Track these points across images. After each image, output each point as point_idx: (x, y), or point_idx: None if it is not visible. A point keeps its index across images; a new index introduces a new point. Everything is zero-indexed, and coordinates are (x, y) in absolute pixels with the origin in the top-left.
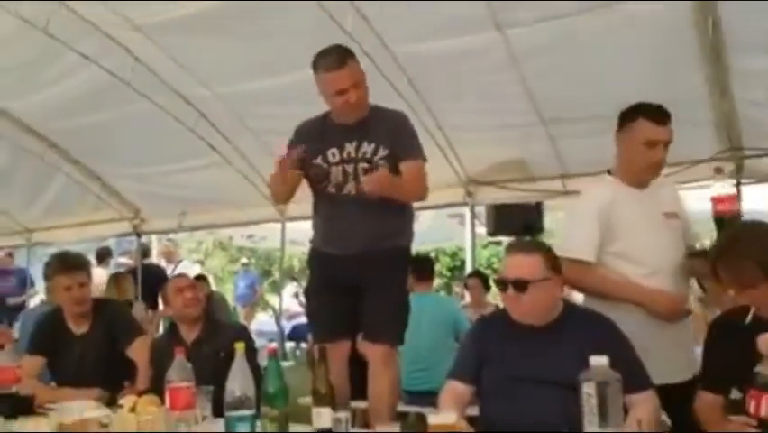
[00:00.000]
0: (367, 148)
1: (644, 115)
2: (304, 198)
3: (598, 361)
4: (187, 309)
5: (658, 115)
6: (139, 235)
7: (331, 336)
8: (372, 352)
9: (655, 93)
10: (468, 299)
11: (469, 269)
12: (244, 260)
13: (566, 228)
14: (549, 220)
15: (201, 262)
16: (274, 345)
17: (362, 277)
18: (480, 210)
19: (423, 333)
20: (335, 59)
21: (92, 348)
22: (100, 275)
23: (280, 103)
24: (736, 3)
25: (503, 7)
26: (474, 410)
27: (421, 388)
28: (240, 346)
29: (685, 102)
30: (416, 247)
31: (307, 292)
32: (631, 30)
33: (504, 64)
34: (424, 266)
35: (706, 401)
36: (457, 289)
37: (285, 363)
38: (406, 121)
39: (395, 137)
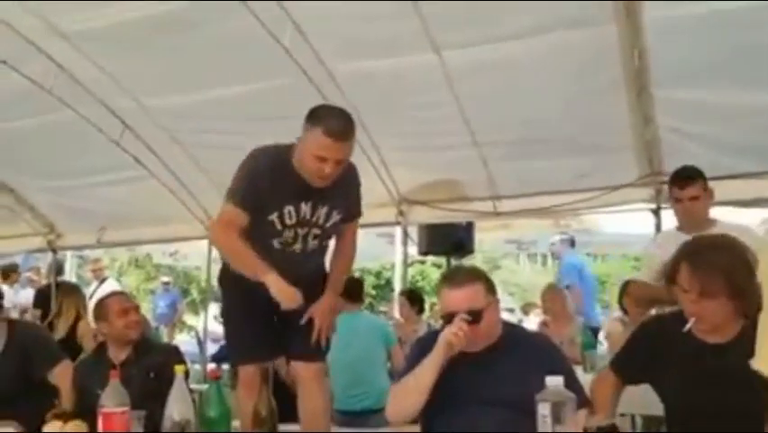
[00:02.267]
0: (320, 212)
1: (671, 182)
2: None
3: (553, 381)
4: (128, 331)
5: (679, 179)
6: (54, 252)
7: (257, 359)
8: (307, 371)
9: (581, 118)
10: (398, 315)
11: (398, 287)
12: (165, 278)
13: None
14: (478, 241)
15: (116, 280)
16: (214, 366)
17: None
18: (411, 229)
19: (355, 352)
20: (346, 129)
21: (2, 371)
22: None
23: (211, 117)
24: (661, 34)
25: (440, 29)
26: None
27: (356, 408)
28: (179, 369)
29: (609, 128)
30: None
31: (226, 313)
32: (561, 56)
33: (439, 85)
34: (354, 287)
35: (605, 378)
36: (382, 308)
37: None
38: (357, 179)
39: (347, 199)
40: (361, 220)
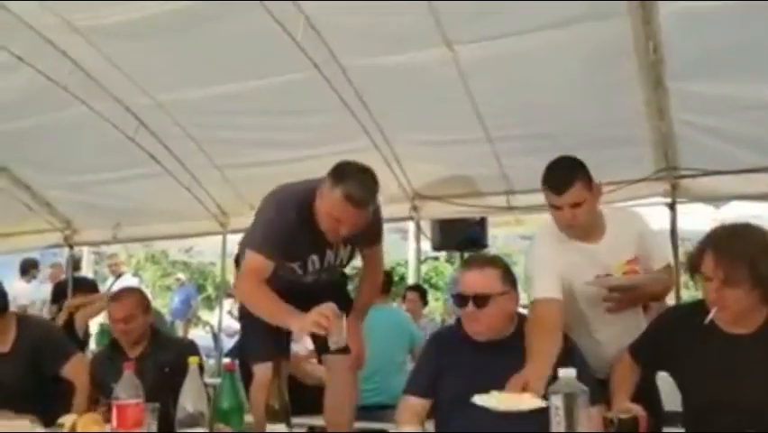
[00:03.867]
0: (343, 253)
1: (545, 184)
2: (245, 210)
3: (566, 373)
4: (120, 335)
5: (554, 183)
6: (71, 247)
7: (272, 356)
8: (340, 364)
9: (596, 113)
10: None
11: (411, 281)
12: (180, 275)
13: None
14: (492, 236)
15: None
16: (230, 361)
17: (314, 291)
18: (424, 225)
19: (375, 346)
20: (366, 197)
21: (12, 369)
22: (24, 289)
23: (224, 113)
24: (676, 27)
25: (452, 24)
26: (431, 426)
27: (370, 402)
28: (193, 361)
29: (624, 122)
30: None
31: (244, 311)
32: (575, 50)
33: (452, 80)
34: (383, 279)
35: (623, 360)
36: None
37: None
38: (379, 214)
39: (368, 236)
40: None
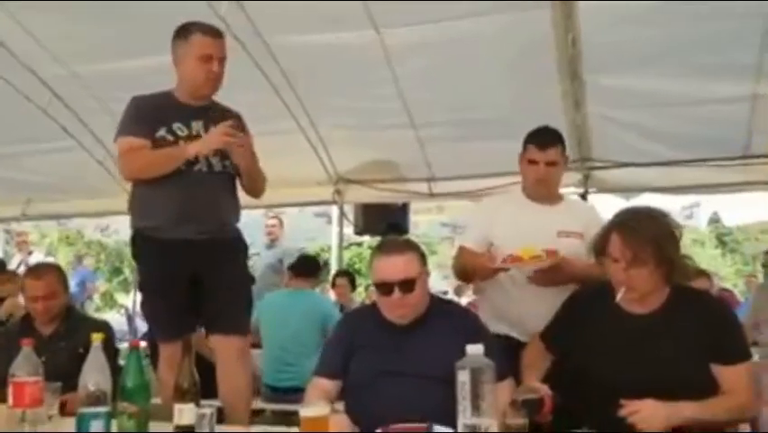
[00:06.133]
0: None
1: (531, 140)
2: None
3: (474, 349)
4: (35, 315)
5: (541, 140)
6: None
7: (177, 334)
8: (228, 345)
9: (516, 102)
10: (333, 297)
11: (334, 267)
12: (82, 252)
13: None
14: (414, 223)
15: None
16: (137, 341)
17: (209, 266)
18: (347, 209)
19: (291, 329)
20: (216, 28)
21: None
22: None
23: (145, 87)
24: (594, 21)
25: (380, 6)
26: (341, 407)
27: (286, 384)
28: (96, 337)
29: (543, 113)
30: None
31: (144, 287)
32: (498, 40)
33: (378, 63)
34: (307, 264)
35: (534, 344)
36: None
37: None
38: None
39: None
40: (298, 198)
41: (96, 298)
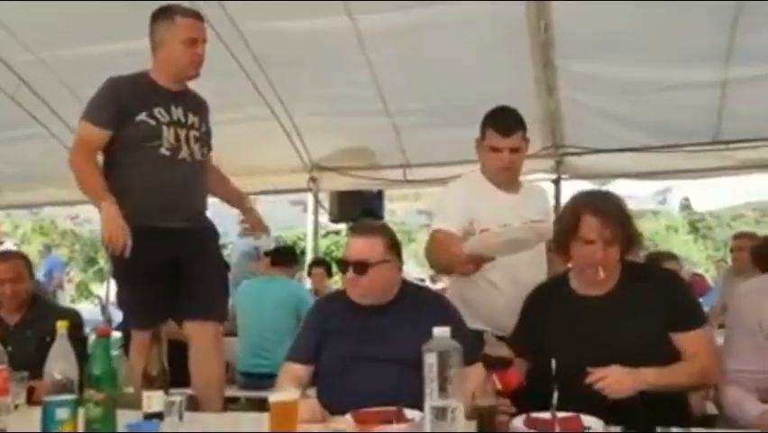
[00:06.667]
0: (193, 119)
1: (492, 126)
2: None
3: (441, 332)
4: (3, 300)
5: (503, 126)
6: None
7: (153, 323)
8: (203, 331)
9: (489, 88)
10: (310, 285)
11: (310, 255)
12: (51, 241)
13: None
14: (391, 210)
15: (17, 247)
16: (104, 327)
17: (186, 254)
18: (323, 197)
19: (266, 316)
20: (197, 11)
21: None
22: None
23: (113, 71)
24: (567, 7)
25: None
26: (313, 393)
27: (260, 371)
28: (61, 325)
29: (516, 99)
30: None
31: (120, 275)
32: (472, 27)
33: (352, 50)
34: (284, 253)
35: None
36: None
37: (113, 353)
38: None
39: (207, 117)
40: (272, 185)
41: (71, 288)
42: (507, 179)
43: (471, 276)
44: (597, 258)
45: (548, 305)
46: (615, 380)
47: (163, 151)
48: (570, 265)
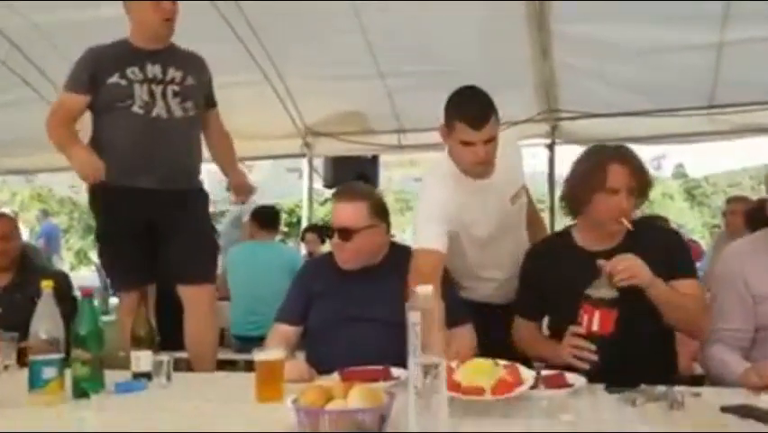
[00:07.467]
0: (175, 74)
1: (461, 119)
2: None
3: (424, 290)
4: None
5: (473, 118)
6: None
7: (137, 284)
8: (200, 294)
9: (485, 53)
10: (304, 252)
11: (305, 221)
12: (50, 209)
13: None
14: (387, 178)
15: (15, 215)
16: (90, 288)
17: (171, 215)
18: (317, 163)
19: (259, 280)
20: None
21: None
22: None
23: (109, 37)
24: None
25: None
26: (302, 356)
27: (256, 333)
28: (46, 285)
29: (512, 63)
30: (254, 200)
31: (102, 237)
32: None
33: (345, 12)
34: (269, 216)
35: (520, 324)
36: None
37: (109, 318)
38: (206, 68)
39: (201, 72)
40: (266, 151)
41: (70, 255)
42: (484, 170)
43: (460, 273)
44: (623, 207)
45: (556, 264)
46: (633, 263)
47: (135, 109)
48: (576, 221)
